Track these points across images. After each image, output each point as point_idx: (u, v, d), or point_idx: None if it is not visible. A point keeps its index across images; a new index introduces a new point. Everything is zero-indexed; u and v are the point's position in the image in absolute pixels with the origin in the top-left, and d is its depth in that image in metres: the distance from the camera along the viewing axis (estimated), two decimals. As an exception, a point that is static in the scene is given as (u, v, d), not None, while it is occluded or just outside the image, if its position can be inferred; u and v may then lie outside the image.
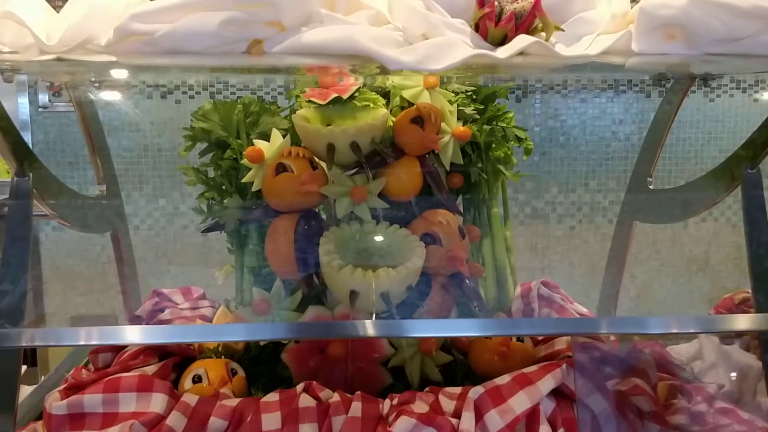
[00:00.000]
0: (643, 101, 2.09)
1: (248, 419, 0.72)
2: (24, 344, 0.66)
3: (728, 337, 1.10)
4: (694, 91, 2.09)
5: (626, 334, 0.89)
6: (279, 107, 0.98)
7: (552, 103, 2.09)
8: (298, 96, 0.95)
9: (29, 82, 1.94)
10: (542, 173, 2.14)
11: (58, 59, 0.66)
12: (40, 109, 1.97)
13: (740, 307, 1.09)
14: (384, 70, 0.68)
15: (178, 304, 1.04)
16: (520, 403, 0.72)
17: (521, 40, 0.62)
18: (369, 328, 0.67)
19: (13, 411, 0.69)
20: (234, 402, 0.74)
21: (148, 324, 0.97)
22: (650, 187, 1.04)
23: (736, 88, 2.09)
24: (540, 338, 0.96)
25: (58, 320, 2.15)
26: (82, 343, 0.67)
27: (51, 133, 1.99)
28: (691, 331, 0.69)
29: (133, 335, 0.69)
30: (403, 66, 0.60)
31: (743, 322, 0.71)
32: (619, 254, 1.14)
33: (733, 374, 1.02)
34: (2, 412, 0.69)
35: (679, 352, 1.09)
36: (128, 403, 0.73)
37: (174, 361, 0.87)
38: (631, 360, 0.84)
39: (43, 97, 1.97)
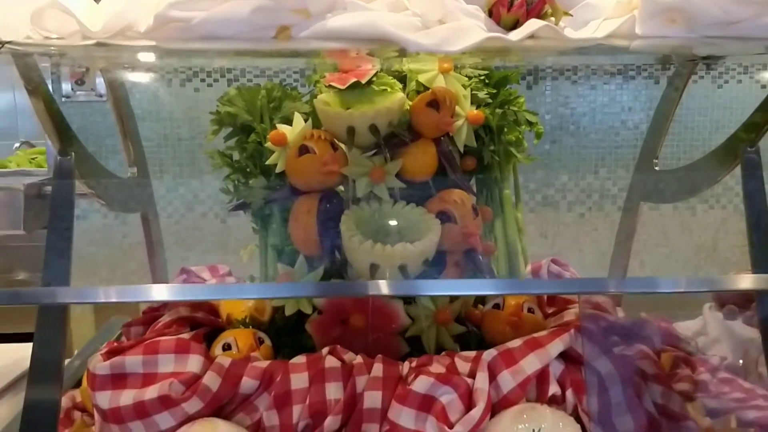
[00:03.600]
0: (652, 88, 2.12)
1: (278, 379, 0.77)
2: (65, 301, 0.71)
3: (732, 313, 1.14)
4: (703, 77, 2.13)
5: (633, 304, 0.94)
6: (299, 93, 1.03)
7: (561, 91, 2.12)
8: (317, 81, 1.00)
9: (51, 69, 1.98)
10: (552, 161, 2.18)
11: (100, 44, 0.71)
12: (63, 99, 2.02)
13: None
14: (401, 54, 0.73)
15: (205, 281, 1.09)
16: (530, 364, 0.77)
17: (532, 24, 0.66)
18: (383, 287, 0.72)
19: (60, 377, 0.75)
20: (264, 364, 0.79)
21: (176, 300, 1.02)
22: (656, 168, 1.09)
23: (744, 73, 2.12)
24: (550, 311, 1.01)
25: (81, 306, 2.21)
26: (115, 300, 0.70)
27: (74, 123, 2.04)
28: (695, 289, 0.73)
29: (160, 292, 0.75)
30: (422, 48, 0.64)
31: (746, 282, 0.75)
32: (627, 236, 1.18)
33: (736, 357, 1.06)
34: (50, 378, 0.75)
35: (684, 327, 1.14)
36: (167, 364, 0.78)
37: (204, 331, 0.92)
38: (637, 329, 0.88)
39: (66, 87, 2.02)
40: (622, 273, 1.17)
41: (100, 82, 2.04)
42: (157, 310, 1.03)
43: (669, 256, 2.20)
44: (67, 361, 1.09)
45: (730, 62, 1.99)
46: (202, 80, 2.07)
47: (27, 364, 1.11)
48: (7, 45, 0.66)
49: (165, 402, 0.75)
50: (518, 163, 1.05)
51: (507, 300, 0.98)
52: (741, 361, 1.05)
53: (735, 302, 1.13)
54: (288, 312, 0.94)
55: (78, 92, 2.03)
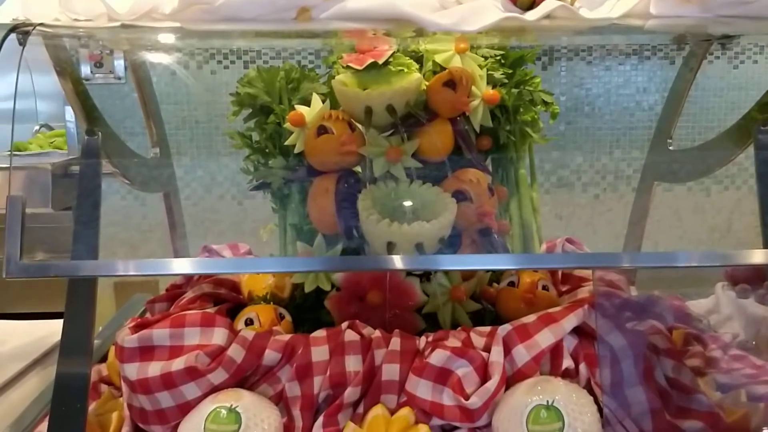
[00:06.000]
0: (668, 68, 2.12)
1: (299, 351, 0.80)
2: (95, 274, 0.74)
3: (744, 291, 1.15)
4: (719, 57, 2.12)
5: (647, 283, 0.95)
6: (317, 74, 1.04)
7: (577, 71, 2.12)
8: (335, 62, 1.01)
9: (71, 51, 2.01)
10: (567, 142, 2.19)
11: (125, 26, 0.73)
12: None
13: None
14: (418, 35, 0.74)
15: (226, 259, 1.11)
16: (545, 338, 0.79)
17: (548, 4, 0.68)
18: (400, 261, 0.74)
19: (89, 350, 0.78)
20: (286, 337, 0.82)
21: (200, 276, 1.05)
22: (670, 148, 1.10)
23: (760, 53, 2.11)
24: (564, 289, 1.03)
25: (102, 286, 2.25)
26: (143, 273, 0.73)
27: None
28: (707, 264, 0.74)
29: (187, 266, 0.77)
30: (441, 28, 0.66)
31: (757, 256, 0.76)
32: (640, 216, 1.19)
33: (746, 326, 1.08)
34: (81, 351, 0.78)
35: (697, 306, 1.15)
36: (193, 336, 0.81)
37: (227, 307, 0.95)
38: (649, 306, 0.90)
39: (85, 69, 2.05)
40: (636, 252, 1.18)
41: (118, 65, 2.07)
42: (179, 287, 1.06)
43: (683, 236, 2.21)
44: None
45: (745, 42, 1.98)
46: (219, 62, 2.09)
47: (53, 339, 1.15)
48: (38, 27, 0.68)
49: (191, 373, 0.78)
50: (533, 143, 1.06)
51: (522, 278, 0.99)
52: (753, 342, 1.06)
53: (747, 281, 1.14)
54: (307, 289, 0.96)
55: (97, 75, 2.06)
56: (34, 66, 0.79)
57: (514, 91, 1.01)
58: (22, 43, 0.70)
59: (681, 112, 1.07)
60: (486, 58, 1.00)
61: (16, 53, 0.72)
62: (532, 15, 0.68)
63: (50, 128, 2.77)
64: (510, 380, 0.79)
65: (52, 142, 2.65)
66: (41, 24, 0.69)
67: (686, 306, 1.07)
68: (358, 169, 0.99)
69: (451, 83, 0.93)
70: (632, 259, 0.80)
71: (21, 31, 0.69)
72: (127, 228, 2.12)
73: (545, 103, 1.04)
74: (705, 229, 2.24)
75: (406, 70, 0.94)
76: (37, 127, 2.77)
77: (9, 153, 1.09)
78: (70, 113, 2.20)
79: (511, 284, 0.99)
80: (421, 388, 0.78)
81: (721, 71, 2.13)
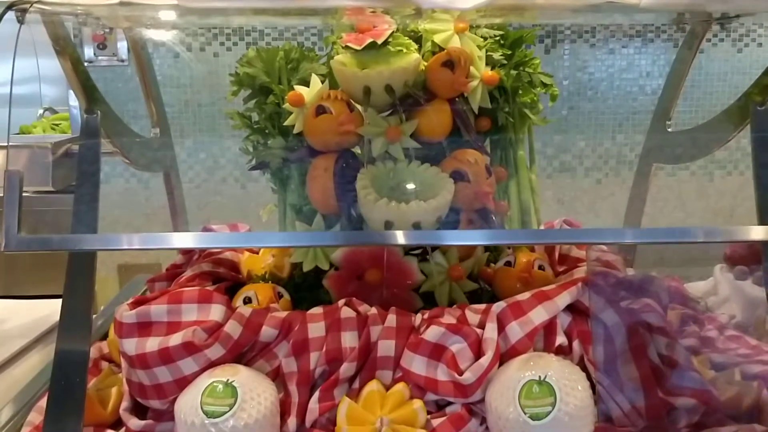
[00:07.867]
0: (671, 52, 2.11)
1: (296, 328, 0.81)
2: (94, 247, 0.75)
3: (742, 273, 1.15)
4: (722, 40, 2.11)
5: (646, 264, 0.95)
6: (317, 54, 1.04)
7: (580, 55, 2.11)
8: (334, 42, 1.01)
9: (74, 33, 2.01)
10: (570, 126, 2.18)
11: (123, 3, 0.73)
12: (85, 64, 2.05)
13: (753, 246, 1.14)
14: (417, 14, 0.74)
15: (226, 238, 1.12)
16: (538, 315, 0.80)
17: (543, -18, 0.68)
18: (399, 237, 0.75)
19: (88, 323, 0.79)
20: (283, 314, 0.83)
21: (200, 256, 1.06)
22: (669, 130, 1.10)
23: (765, 36, 2.09)
24: (561, 269, 1.03)
25: (106, 269, 2.28)
26: (140, 246, 0.75)
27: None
28: (699, 239, 0.74)
29: (185, 240, 0.78)
30: (436, 5, 0.66)
31: (751, 232, 0.76)
32: (640, 198, 1.20)
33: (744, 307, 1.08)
34: (80, 325, 0.79)
35: (695, 288, 1.16)
36: (190, 313, 0.82)
37: (226, 285, 0.96)
38: (645, 285, 0.90)
39: (89, 52, 2.05)
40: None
41: (121, 47, 2.07)
42: (180, 266, 1.07)
43: (685, 221, 2.20)
44: (93, 317, 1.13)
45: (750, 23, 1.97)
46: (222, 44, 2.09)
47: (55, 318, 1.16)
48: (35, 4, 0.69)
49: (189, 348, 0.79)
50: (533, 125, 1.06)
51: (518, 257, 1.00)
52: (750, 323, 1.06)
53: (746, 262, 1.15)
54: (306, 268, 0.97)
55: (100, 57, 2.06)
56: (40, 50, 0.80)
57: (513, 72, 1.00)
58: (21, 20, 0.70)
59: (681, 94, 1.07)
60: (485, 38, 1.00)
61: (22, 35, 0.72)
62: (527, -8, 0.68)
63: (54, 112, 2.78)
64: (504, 356, 0.80)
65: (58, 125, 2.66)
66: (39, 1, 0.70)
67: (683, 287, 1.07)
68: (357, 149, 0.99)
69: (449, 63, 0.93)
70: (626, 234, 0.81)
71: (19, 8, 0.70)
72: (129, 212, 2.13)
73: (544, 85, 1.04)
74: (708, 214, 2.24)
75: (404, 50, 0.93)
76: (41, 111, 2.78)
77: (9, 131, 1.10)
78: (73, 97, 2.20)
79: (508, 264, 1.00)
80: (416, 364, 0.79)
81: (725, 54, 2.11)
